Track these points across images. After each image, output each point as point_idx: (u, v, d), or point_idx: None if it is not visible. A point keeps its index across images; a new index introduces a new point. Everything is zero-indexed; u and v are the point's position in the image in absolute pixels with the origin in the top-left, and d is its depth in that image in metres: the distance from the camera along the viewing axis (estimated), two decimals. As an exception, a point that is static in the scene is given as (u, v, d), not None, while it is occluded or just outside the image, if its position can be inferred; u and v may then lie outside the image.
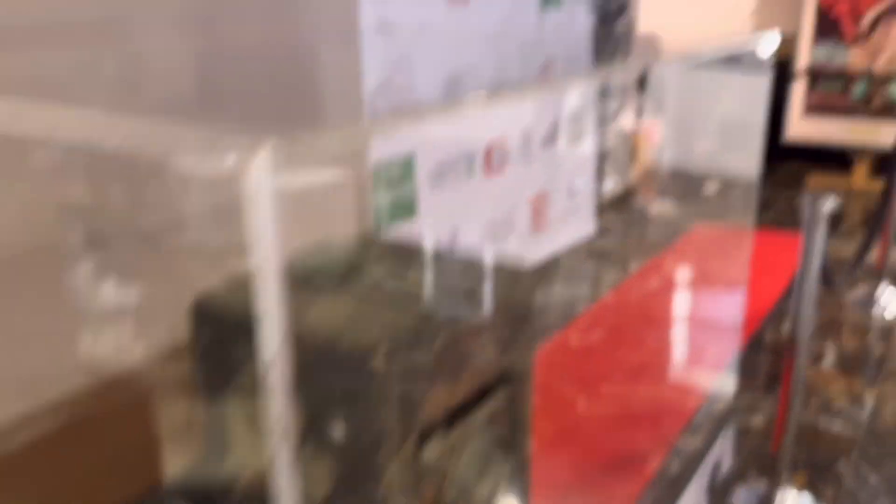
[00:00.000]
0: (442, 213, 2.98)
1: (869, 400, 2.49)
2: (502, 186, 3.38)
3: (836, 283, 2.25)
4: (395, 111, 2.68)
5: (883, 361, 2.75)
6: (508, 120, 3.36)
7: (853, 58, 4.85)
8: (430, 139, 2.87)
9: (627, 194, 4.85)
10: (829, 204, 1.68)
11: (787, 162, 5.65)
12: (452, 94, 2.91)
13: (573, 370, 2.79)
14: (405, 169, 2.76)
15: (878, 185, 4.87)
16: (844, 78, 4.89)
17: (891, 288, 3.28)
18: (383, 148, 2.64)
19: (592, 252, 3.97)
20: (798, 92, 5.08)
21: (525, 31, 3.31)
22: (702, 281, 3.51)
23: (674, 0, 5.90)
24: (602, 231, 4.25)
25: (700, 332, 3.01)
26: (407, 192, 2.79)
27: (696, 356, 2.83)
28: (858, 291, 3.31)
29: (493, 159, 3.28)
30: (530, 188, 3.62)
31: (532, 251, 3.69)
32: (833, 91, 4.97)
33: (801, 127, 5.11)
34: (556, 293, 3.42)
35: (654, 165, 5.44)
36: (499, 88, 3.22)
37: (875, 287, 3.29)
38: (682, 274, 3.60)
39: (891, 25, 4.69)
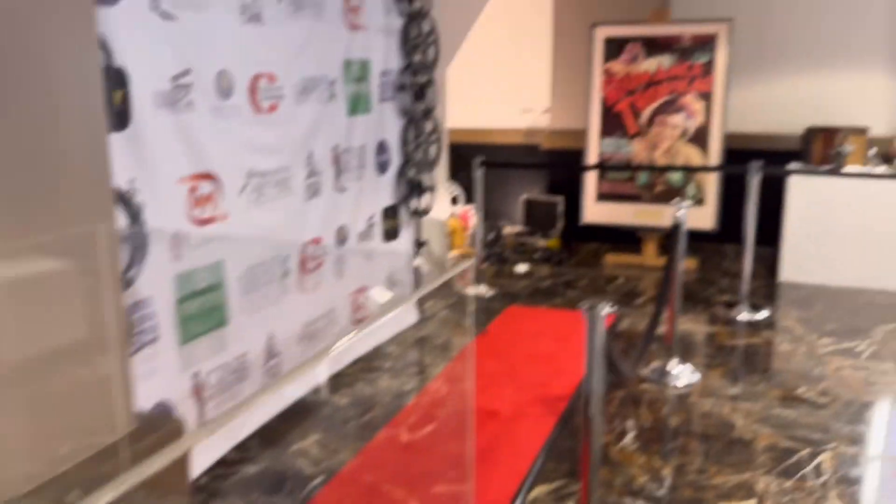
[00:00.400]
0: (255, 319, 2.84)
1: (666, 475, 2.60)
2: (320, 283, 3.30)
3: (624, 371, 2.37)
4: (204, 222, 2.55)
5: (677, 434, 2.90)
6: (325, 219, 3.31)
7: (636, 149, 5.30)
8: (240, 244, 2.75)
9: (447, 279, 4.93)
10: (604, 311, 1.77)
11: (587, 243, 6.03)
12: (259, 195, 2.83)
13: (397, 468, 2.71)
14: (213, 276, 2.61)
15: (664, 262, 5.29)
16: (630, 167, 5.33)
17: (680, 361, 3.52)
18: (190, 256, 2.49)
19: (414, 339, 3.95)
20: (591, 180, 5.47)
21: (335, 133, 3.31)
22: (516, 363, 3.58)
23: (477, 99, 6.23)
24: (423, 318, 4.27)
25: (514, 415, 3.04)
26: (216, 301, 2.63)
27: (510, 440, 2.84)
28: (652, 366, 3.52)
29: (308, 258, 3.19)
30: (351, 283, 3.57)
31: (355, 345, 3.61)
32: (620, 179, 5.40)
33: (595, 211, 5.48)
34: (381, 386, 3.34)
35: (469, 250, 5.59)
36: (313, 190, 3.17)
37: (666, 360, 3.51)
38: (497, 356, 3.66)
39: (664, 121, 5.21)
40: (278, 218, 2.94)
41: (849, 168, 4.76)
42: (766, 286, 4.87)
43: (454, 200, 5.88)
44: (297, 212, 3.07)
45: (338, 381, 3.38)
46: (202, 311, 2.56)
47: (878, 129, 5.06)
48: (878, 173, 4.66)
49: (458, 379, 3.38)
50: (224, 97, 2.57)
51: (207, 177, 2.53)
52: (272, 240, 2.92)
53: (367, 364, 3.58)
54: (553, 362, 3.61)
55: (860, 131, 4.91)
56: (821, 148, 4.94)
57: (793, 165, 5.00)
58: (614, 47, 5.21)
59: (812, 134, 5.01)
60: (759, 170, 4.29)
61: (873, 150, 4.88)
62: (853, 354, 3.67)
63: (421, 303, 4.39)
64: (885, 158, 4.88)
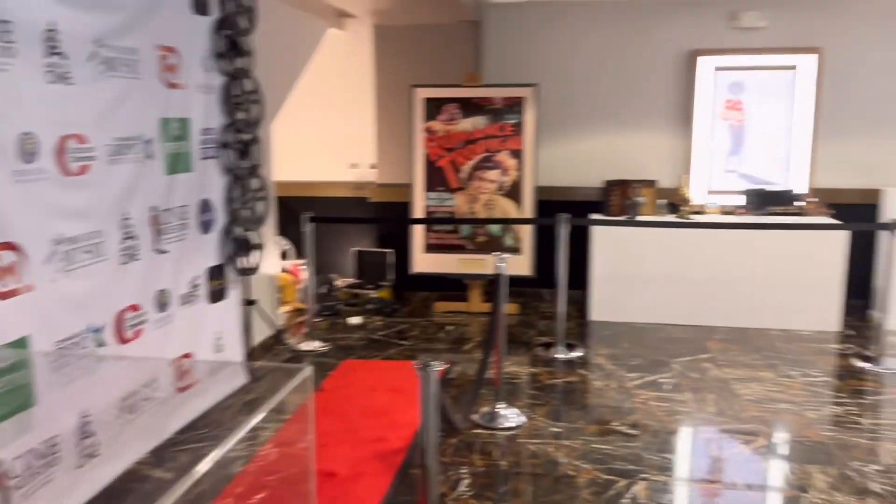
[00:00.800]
0: (67, 396, 2.58)
1: (500, 518, 2.66)
2: (140, 352, 3.07)
3: (457, 423, 2.42)
4: (5, 295, 2.30)
5: (508, 477, 2.99)
6: (143, 283, 3.10)
7: (458, 202, 5.50)
8: (48, 316, 2.51)
9: (279, 335, 4.79)
10: (436, 368, 1.80)
11: (417, 292, 6.13)
12: (69, 263, 2.60)
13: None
14: (16, 354, 2.36)
15: (489, 307, 5.49)
16: (453, 220, 5.51)
17: (507, 404, 3.64)
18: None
19: (243, 403, 3.78)
20: (419, 232, 5.59)
21: (153, 194, 3.14)
22: (352, 419, 3.52)
23: (305, 153, 6.20)
24: (254, 378, 4.09)
25: (352, 474, 2.98)
26: (20, 380, 2.37)
27: (349, 501, 2.78)
28: (482, 411, 3.61)
29: (124, 326, 2.97)
30: (174, 349, 3.36)
31: (179, 413, 3.39)
32: (445, 230, 5.57)
33: (423, 261, 5.60)
34: (209, 456, 3.14)
35: (301, 304, 5.48)
36: (129, 254, 2.98)
37: (495, 404, 3.62)
38: (334, 413, 3.59)
39: (482, 176, 5.45)
40: (91, 286, 2.72)
41: (643, 216, 5.24)
42: (579, 326, 5.20)
43: (284, 255, 5.76)
44: (111, 278, 2.86)
45: (161, 454, 3.14)
46: (5, 392, 2.29)
47: (665, 181, 5.62)
48: (667, 221, 5.17)
49: (292, 441, 3.26)
50: (27, 161, 2.36)
51: (9, 246, 2.30)
52: (84, 310, 2.69)
53: (192, 434, 3.36)
54: (389, 415, 3.59)
55: (650, 183, 5.43)
56: (618, 199, 5.40)
57: (596, 216, 5.42)
58: (433, 107, 5.41)
59: (610, 186, 5.47)
60: (567, 221, 4.60)
61: (663, 201, 5.42)
62: (657, 387, 3.99)
63: (250, 363, 4.23)
64: (673, 207, 5.43)
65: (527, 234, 5.47)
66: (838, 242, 4.97)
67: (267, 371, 4.12)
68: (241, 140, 3.90)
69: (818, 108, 5.41)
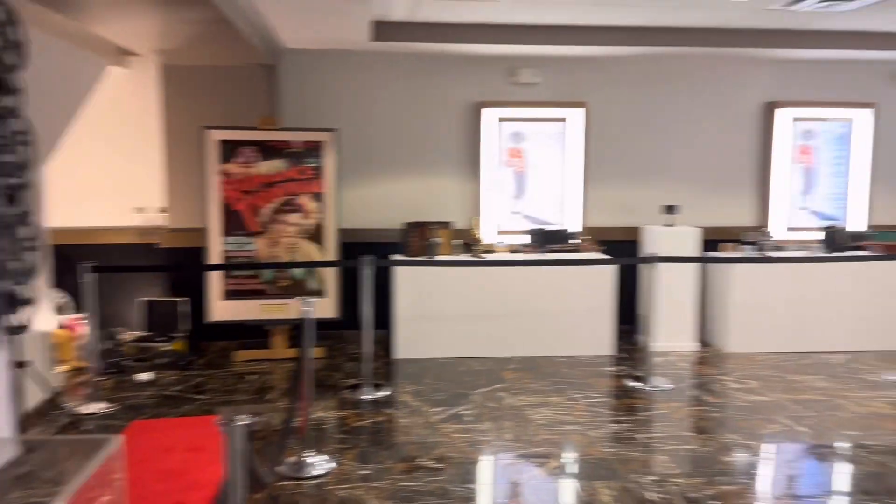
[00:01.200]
0: None
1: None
2: None
3: (264, 478, 2.32)
4: None
5: (317, 526, 2.90)
6: None
7: (259, 246, 5.33)
8: None
9: (55, 399, 4.28)
10: (242, 422, 1.72)
11: (215, 342, 5.80)
12: None
13: None
14: None
15: (294, 353, 5.35)
16: (253, 265, 5.33)
17: (315, 451, 3.55)
18: None
19: (14, 478, 3.31)
20: (216, 278, 5.32)
21: None
22: (144, 485, 3.23)
23: (84, 198, 5.68)
24: (27, 449, 3.61)
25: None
26: None
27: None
28: (289, 461, 3.48)
29: None
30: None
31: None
32: (245, 276, 5.36)
33: (222, 309, 5.34)
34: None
35: (80, 363, 4.96)
36: None
37: (302, 452, 3.50)
38: (125, 477, 3.26)
39: (283, 219, 5.34)
40: None
41: (440, 256, 5.43)
42: (385, 365, 5.23)
43: (60, 310, 5.19)
44: None
45: None
46: None
47: (460, 222, 5.89)
48: (461, 260, 5.41)
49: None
50: None
51: None
52: None
53: (-49, 520, 2.88)
54: (187, 476, 3.34)
55: (445, 225, 5.65)
56: (417, 240, 5.56)
57: (397, 256, 5.53)
58: (228, 150, 5.24)
59: (409, 228, 5.61)
60: (370, 263, 4.64)
61: (458, 241, 5.66)
62: (459, 419, 4.11)
63: (23, 433, 3.73)
64: (467, 247, 5.69)
65: (331, 276, 5.43)
66: (608, 275, 5.50)
67: (43, 442, 3.67)
68: (8, 185, 3.48)
69: (587, 155, 6.00)
